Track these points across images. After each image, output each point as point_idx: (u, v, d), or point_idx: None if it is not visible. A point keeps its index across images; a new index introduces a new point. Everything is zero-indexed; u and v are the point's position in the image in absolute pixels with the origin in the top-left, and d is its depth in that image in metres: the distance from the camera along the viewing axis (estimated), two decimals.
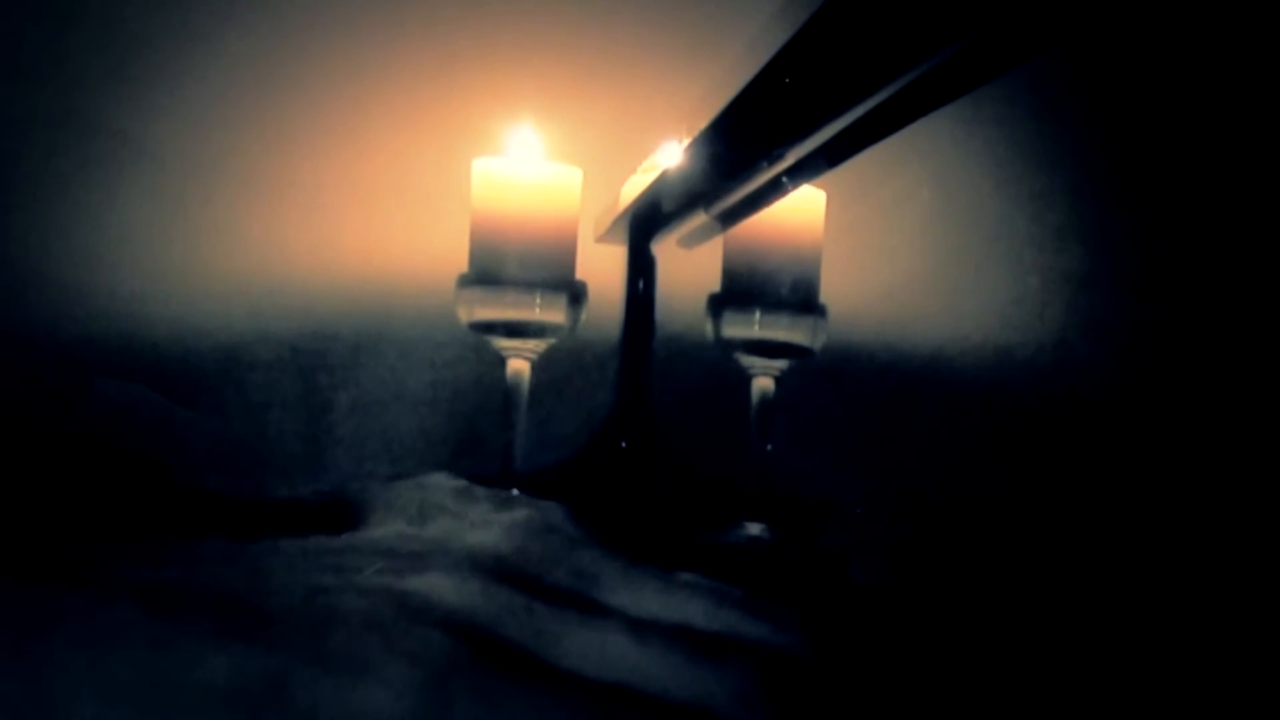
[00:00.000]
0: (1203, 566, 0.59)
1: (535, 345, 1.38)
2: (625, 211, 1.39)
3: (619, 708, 0.37)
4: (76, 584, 0.39)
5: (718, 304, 1.37)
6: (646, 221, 1.42)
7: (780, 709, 0.39)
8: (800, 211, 1.34)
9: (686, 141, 1.13)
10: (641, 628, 0.41)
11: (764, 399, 1.37)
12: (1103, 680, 0.65)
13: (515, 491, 0.52)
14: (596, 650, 0.40)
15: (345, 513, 0.58)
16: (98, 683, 0.36)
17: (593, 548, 0.44)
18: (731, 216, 1.26)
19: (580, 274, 1.39)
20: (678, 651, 0.40)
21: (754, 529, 1.33)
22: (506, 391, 1.37)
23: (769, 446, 1.36)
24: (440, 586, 0.40)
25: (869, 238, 1.19)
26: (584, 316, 1.39)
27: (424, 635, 0.38)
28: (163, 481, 0.60)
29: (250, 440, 1.56)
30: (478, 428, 1.59)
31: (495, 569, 0.41)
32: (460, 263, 1.37)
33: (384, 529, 0.48)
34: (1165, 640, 0.60)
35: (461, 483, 0.62)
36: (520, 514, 0.44)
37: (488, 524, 0.44)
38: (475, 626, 0.39)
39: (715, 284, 1.36)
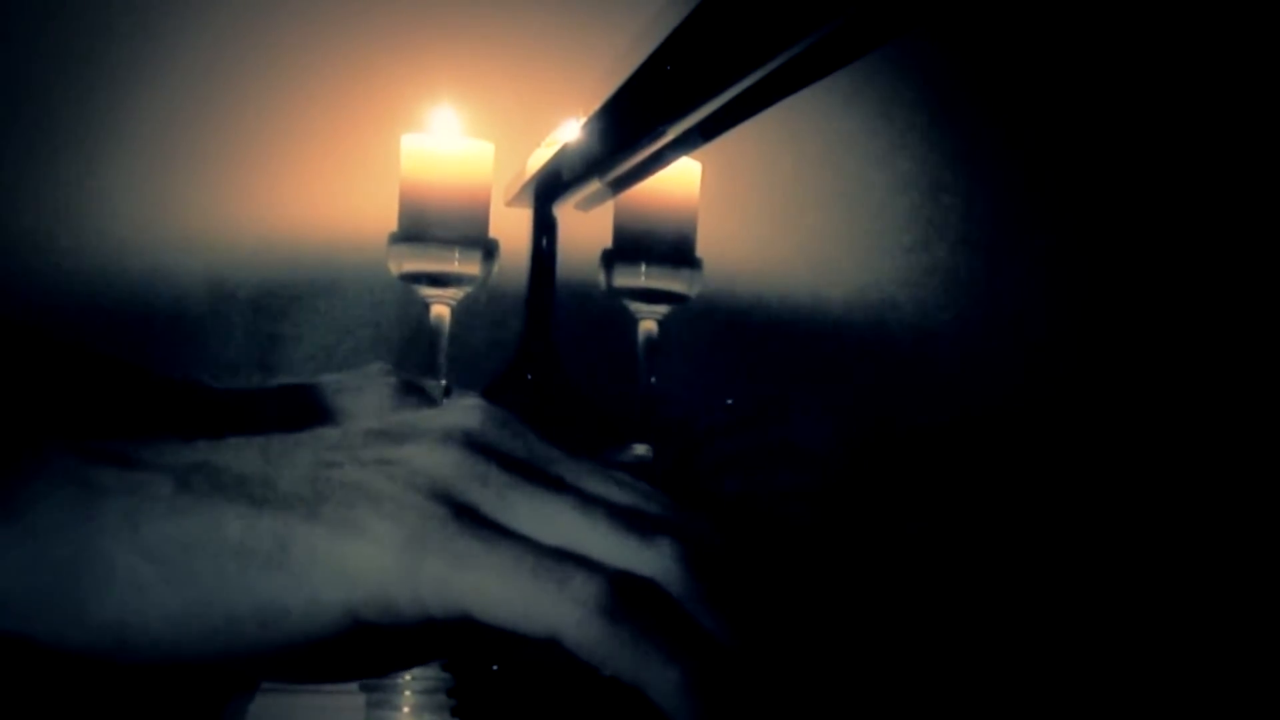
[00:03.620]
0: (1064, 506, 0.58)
1: (454, 293, 1.41)
2: (531, 179, 1.40)
3: (565, 566, 0.38)
4: (123, 465, 0.40)
5: (609, 258, 1.38)
6: (549, 188, 1.44)
7: (696, 580, 0.39)
8: (680, 180, 1.36)
9: (583, 120, 1.15)
10: (589, 501, 0.41)
11: (649, 339, 1.39)
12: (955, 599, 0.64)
13: (444, 382, 0.50)
14: (550, 519, 0.40)
15: (319, 403, 0.57)
16: (136, 543, 0.38)
17: (536, 433, 0.44)
18: (622, 183, 1.28)
19: (493, 233, 1.41)
20: (616, 527, 0.40)
21: (640, 449, 1.35)
22: (430, 331, 1.40)
23: (653, 379, 1.38)
24: (421, 456, 0.40)
25: (739, 202, 1.21)
26: (496, 269, 1.41)
27: (405, 499, 0.39)
28: (146, 379, 0.59)
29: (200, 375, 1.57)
30: (405, 363, 1.60)
31: (468, 442, 0.41)
32: (391, 223, 1.39)
33: (363, 414, 0.48)
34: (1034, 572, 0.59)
35: (402, 378, 0.60)
36: (477, 401, 0.43)
37: (459, 406, 0.43)
38: (449, 492, 0.39)
39: (608, 241, 1.38)
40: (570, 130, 1.19)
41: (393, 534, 0.38)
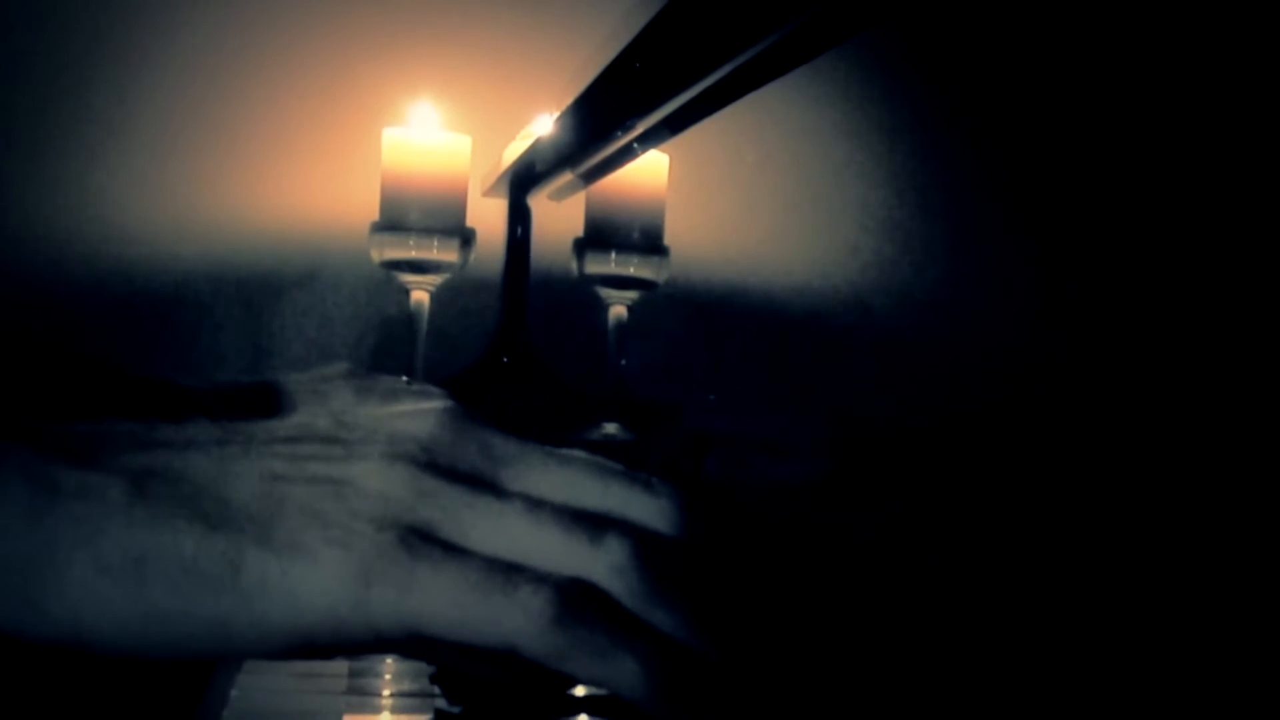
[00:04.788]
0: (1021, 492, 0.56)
1: (433, 279, 1.41)
2: (506, 171, 1.41)
3: (511, 580, 0.38)
4: (79, 464, 0.38)
5: (581, 246, 1.39)
6: (524, 179, 1.45)
7: (647, 578, 0.39)
8: (648, 171, 1.37)
9: (557, 114, 1.16)
10: (538, 506, 0.40)
11: (619, 323, 1.40)
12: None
13: (404, 379, 0.48)
14: (499, 530, 0.39)
15: (275, 401, 0.56)
16: (89, 552, 0.37)
17: (493, 428, 0.42)
18: (593, 175, 1.29)
19: (470, 222, 1.42)
20: (564, 531, 0.39)
21: (610, 428, 1.36)
22: (410, 317, 1.41)
23: (623, 361, 1.39)
24: (370, 476, 0.39)
25: (705, 193, 1.22)
26: (473, 256, 1.42)
27: (354, 525, 0.38)
28: (116, 375, 0.58)
29: (194, 357, 1.58)
30: (387, 346, 1.62)
31: (416, 457, 0.40)
32: (373, 213, 1.40)
33: (314, 416, 0.45)
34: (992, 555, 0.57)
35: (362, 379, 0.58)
36: (435, 401, 0.41)
37: (412, 411, 0.42)
38: (397, 514, 0.39)
39: (579, 230, 1.39)
40: (544, 124, 1.20)
41: (342, 561, 0.37)
